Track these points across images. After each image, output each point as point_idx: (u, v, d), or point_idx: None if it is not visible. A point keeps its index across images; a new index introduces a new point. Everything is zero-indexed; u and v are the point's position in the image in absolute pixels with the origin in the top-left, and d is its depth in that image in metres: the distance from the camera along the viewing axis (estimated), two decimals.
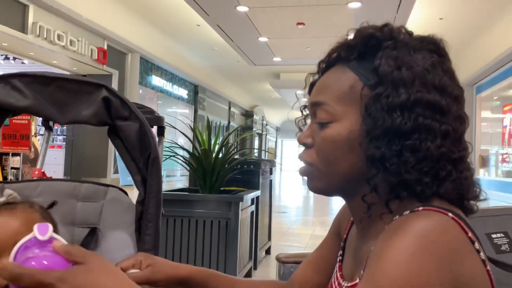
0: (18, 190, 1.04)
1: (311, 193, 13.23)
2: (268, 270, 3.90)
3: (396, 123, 0.59)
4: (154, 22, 9.13)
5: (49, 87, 1.03)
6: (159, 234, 1.09)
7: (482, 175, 12.78)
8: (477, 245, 0.55)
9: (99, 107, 1.04)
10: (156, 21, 9.07)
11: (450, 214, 0.55)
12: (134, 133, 1.06)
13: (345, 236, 0.80)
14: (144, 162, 1.07)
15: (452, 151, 0.59)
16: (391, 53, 0.62)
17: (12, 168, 6.80)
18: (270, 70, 12.72)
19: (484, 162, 12.89)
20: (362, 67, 0.64)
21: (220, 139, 3.60)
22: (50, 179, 1.17)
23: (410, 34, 0.66)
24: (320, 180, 0.68)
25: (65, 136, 9.47)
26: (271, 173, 4.48)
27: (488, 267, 0.56)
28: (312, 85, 0.72)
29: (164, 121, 1.85)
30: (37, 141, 7.82)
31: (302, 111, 0.76)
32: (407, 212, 0.58)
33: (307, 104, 0.74)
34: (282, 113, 21.74)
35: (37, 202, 0.99)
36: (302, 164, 0.71)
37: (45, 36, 6.83)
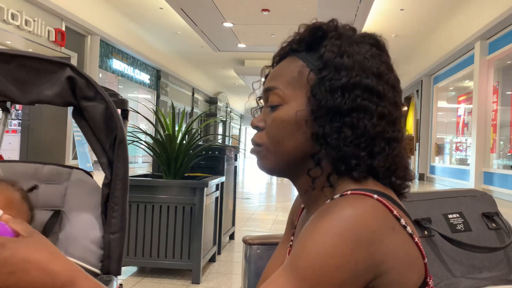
0: None
1: (274, 180, 13.26)
2: (232, 255, 3.93)
3: (337, 103, 0.65)
4: (115, 3, 8.84)
5: (9, 64, 0.99)
6: (126, 217, 1.07)
7: (437, 162, 13.34)
8: (403, 221, 0.61)
9: (63, 87, 1.01)
10: (117, 2, 8.79)
11: (375, 196, 0.61)
12: (100, 115, 1.03)
13: (296, 222, 0.85)
14: (110, 144, 1.05)
15: (386, 131, 0.67)
16: (335, 42, 0.69)
17: None
18: (235, 57, 12.64)
19: (440, 150, 13.44)
20: (310, 55, 0.71)
21: (184, 125, 3.56)
22: (11, 160, 1.13)
23: (353, 29, 0.73)
24: (268, 159, 0.72)
25: (20, 121, 9.08)
26: (235, 159, 4.49)
27: (417, 239, 0.61)
28: (267, 76, 0.78)
29: (128, 104, 1.81)
30: None
31: (257, 102, 0.81)
32: (337, 195, 0.64)
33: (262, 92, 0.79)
34: (246, 100, 21.73)
35: (17, 181, 0.97)
36: (252, 145, 0.76)
37: None
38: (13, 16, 6.81)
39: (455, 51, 10.54)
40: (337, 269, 0.56)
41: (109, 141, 1.04)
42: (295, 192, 8.94)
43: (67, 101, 1.02)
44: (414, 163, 14.28)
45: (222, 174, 3.84)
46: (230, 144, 5.76)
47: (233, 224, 4.46)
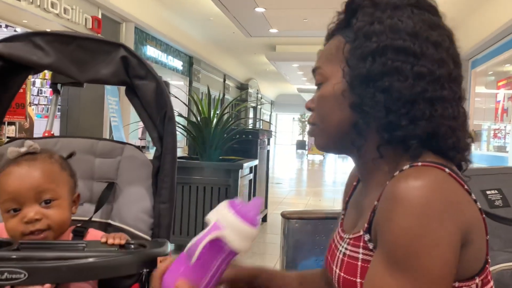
0: (15, 146, 1.09)
1: (305, 166, 13.23)
2: (265, 236, 4.02)
3: (368, 69, 0.66)
4: None
5: (69, 45, 1.06)
6: (175, 188, 1.15)
7: (473, 150, 12.96)
8: (473, 196, 0.61)
9: (117, 66, 1.08)
10: None
11: (446, 170, 0.60)
12: (151, 92, 1.10)
13: (347, 198, 0.86)
14: (160, 120, 1.12)
15: (426, 90, 0.64)
16: (367, 11, 0.69)
17: (7, 137, 6.80)
18: (266, 42, 12.60)
19: (476, 137, 13.05)
20: (348, 30, 0.72)
21: (218, 110, 3.64)
22: (70, 136, 1.22)
23: None
24: (321, 136, 0.75)
25: (60, 107, 9.42)
26: (268, 144, 4.55)
27: (484, 216, 0.62)
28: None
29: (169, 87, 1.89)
30: (32, 111, 7.78)
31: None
32: (407, 166, 0.62)
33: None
34: (277, 86, 21.66)
35: (56, 152, 1.03)
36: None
37: (38, 3, 6.71)
38: (52, 5, 7.05)
39: (496, 34, 10.13)
40: (436, 247, 0.56)
41: (159, 117, 1.11)
42: (327, 178, 8.96)
43: (121, 79, 1.09)
44: None
45: (255, 158, 3.91)
46: (260, 128, 5.81)
47: (266, 207, 4.53)
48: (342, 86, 0.70)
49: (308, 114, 0.79)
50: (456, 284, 0.60)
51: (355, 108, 0.68)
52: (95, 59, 1.08)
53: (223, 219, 0.57)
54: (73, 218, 1.03)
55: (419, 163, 0.62)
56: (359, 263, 0.67)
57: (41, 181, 0.95)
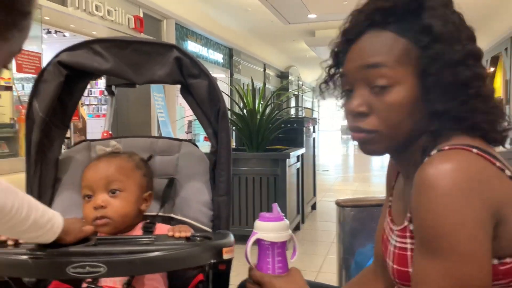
0: (102, 146, 1.16)
1: (350, 152, 13.02)
2: (315, 224, 4.03)
3: (457, 76, 0.65)
4: None
5: (125, 50, 1.12)
6: (231, 181, 1.18)
7: None
8: (508, 172, 0.62)
9: (172, 67, 1.12)
10: None
11: (474, 150, 0.61)
12: (204, 90, 1.14)
13: (393, 183, 0.86)
14: (214, 116, 1.15)
15: (484, 89, 0.67)
16: (437, 12, 0.67)
17: (66, 138, 7.15)
18: (305, 28, 12.45)
19: None
20: (406, 29, 0.68)
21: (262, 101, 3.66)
22: (131, 136, 1.28)
23: None
24: (382, 143, 0.71)
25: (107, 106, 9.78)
26: (313, 131, 4.53)
27: None
28: (337, 52, 0.76)
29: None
30: (84, 111, 8.13)
31: (329, 74, 0.79)
32: (435, 151, 0.64)
33: (343, 69, 0.75)
34: (318, 72, 21.36)
35: (137, 154, 1.13)
36: (357, 132, 0.72)
37: (83, 7, 6.99)
38: (97, 8, 7.31)
39: None
40: (461, 225, 0.57)
41: (213, 113, 1.15)
42: (374, 163, 8.78)
43: (176, 79, 1.14)
44: None
45: (302, 146, 3.91)
46: (303, 116, 5.79)
47: (314, 195, 4.54)
48: (417, 92, 0.67)
49: None
50: (495, 262, 0.61)
51: (438, 115, 0.66)
52: (150, 61, 1.13)
53: (255, 227, 0.85)
54: None
55: (446, 147, 0.63)
56: (408, 253, 0.69)
57: (112, 172, 1.06)
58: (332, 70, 0.79)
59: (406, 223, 0.70)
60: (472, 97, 0.65)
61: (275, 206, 0.87)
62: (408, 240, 0.70)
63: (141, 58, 1.13)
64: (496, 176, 0.61)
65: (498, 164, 0.62)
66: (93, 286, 0.92)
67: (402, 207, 0.76)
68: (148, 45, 1.13)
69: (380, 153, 0.73)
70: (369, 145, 0.71)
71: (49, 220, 0.78)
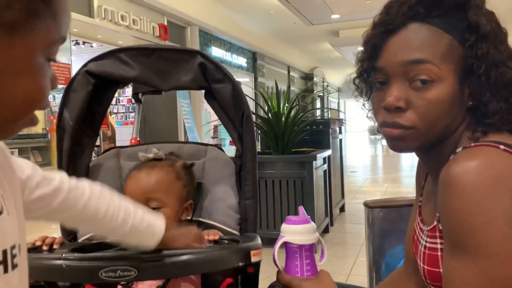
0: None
1: (379, 152, 12.81)
2: (344, 226, 3.98)
3: (503, 75, 0.65)
4: None
5: (151, 57, 1.14)
6: (257, 184, 1.19)
7: None
8: None
9: (196, 72, 1.14)
10: None
11: (501, 147, 0.60)
12: (229, 94, 1.15)
13: (423, 183, 0.85)
14: (239, 120, 1.16)
15: None
16: (482, 11, 0.66)
17: (96, 146, 7.34)
18: (328, 29, 12.37)
19: None
20: (452, 24, 0.66)
21: (287, 104, 3.66)
22: (158, 142, 1.30)
23: None
24: (417, 141, 0.69)
25: (133, 113, 9.98)
26: (340, 132, 4.49)
27: None
28: (374, 44, 0.71)
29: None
30: (112, 119, 8.33)
31: (360, 72, 0.76)
32: (460, 149, 0.63)
33: (380, 62, 0.71)
34: (343, 72, 21.20)
35: (180, 159, 1.11)
36: (392, 127, 0.69)
37: (110, 18, 7.16)
38: (122, 18, 7.48)
39: None
40: (491, 224, 0.55)
41: (238, 117, 1.16)
42: (404, 163, 8.61)
43: (201, 85, 1.15)
44: None
45: (328, 148, 3.87)
46: (329, 117, 5.74)
47: (343, 197, 4.49)
48: (456, 90, 0.67)
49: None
50: None
51: (479, 113, 0.67)
52: (175, 67, 1.14)
53: (282, 231, 0.84)
54: None
55: (472, 144, 0.62)
56: (439, 253, 0.68)
57: (151, 187, 1.05)
58: (366, 63, 0.74)
59: (435, 223, 0.70)
60: None
61: (301, 209, 0.87)
62: (438, 240, 0.69)
63: (166, 65, 1.15)
64: None
65: None
66: None
67: (432, 206, 0.75)
68: (172, 52, 1.15)
69: (410, 150, 0.72)
70: (402, 142, 0.69)
71: (149, 226, 0.80)
